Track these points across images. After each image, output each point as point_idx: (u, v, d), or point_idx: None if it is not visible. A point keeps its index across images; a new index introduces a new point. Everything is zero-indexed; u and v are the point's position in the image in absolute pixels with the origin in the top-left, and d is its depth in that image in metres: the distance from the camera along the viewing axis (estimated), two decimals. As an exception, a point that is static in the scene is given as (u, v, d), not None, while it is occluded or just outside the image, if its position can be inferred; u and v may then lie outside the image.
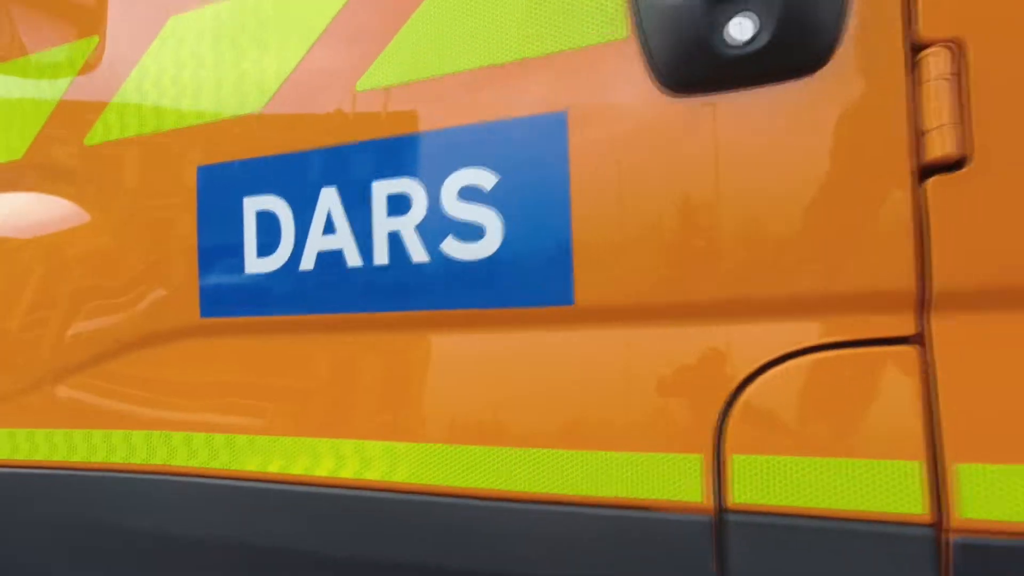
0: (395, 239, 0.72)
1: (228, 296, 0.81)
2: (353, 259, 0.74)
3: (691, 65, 0.59)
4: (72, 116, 0.92)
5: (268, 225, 0.78)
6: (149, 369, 0.85)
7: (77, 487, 0.86)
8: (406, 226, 0.71)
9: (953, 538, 0.52)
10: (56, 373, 0.89)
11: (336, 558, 0.74)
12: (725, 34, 0.57)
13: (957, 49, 0.53)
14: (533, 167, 0.66)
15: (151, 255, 0.87)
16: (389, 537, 0.71)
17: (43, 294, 0.92)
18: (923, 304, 0.55)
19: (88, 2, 0.92)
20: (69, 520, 0.88)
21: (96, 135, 0.90)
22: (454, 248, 0.69)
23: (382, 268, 0.72)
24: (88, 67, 0.90)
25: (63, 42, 0.93)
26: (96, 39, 0.90)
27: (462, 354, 0.71)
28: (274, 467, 0.78)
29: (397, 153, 0.72)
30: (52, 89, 0.93)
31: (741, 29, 0.57)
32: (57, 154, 0.94)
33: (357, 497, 0.72)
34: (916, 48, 0.54)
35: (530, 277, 0.66)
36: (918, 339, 0.55)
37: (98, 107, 0.89)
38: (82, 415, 0.87)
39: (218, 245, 0.81)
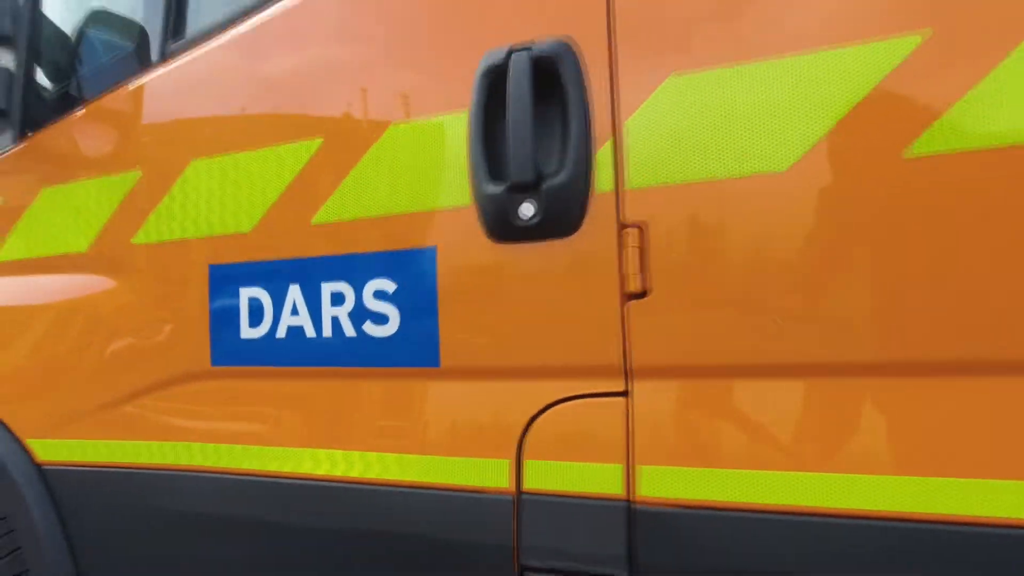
0: (336, 321, 1.12)
1: (229, 352, 1.22)
2: (310, 332, 1.15)
3: (501, 228, 1.00)
4: (122, 224, 1.33)
5: (256, 307, 1.19)
6: (177, 400, 1.27)
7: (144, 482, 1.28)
8: (342, 313, 1.12)
9: (637, 507, 0.93)
10: (116, 400, 1.30)
11: (297, 528, 1.15)
12: (519, 212, 0.98)
13: (641, 230, 0.93)
14: (417, 281, 1.06)
15: (178, 322, 1.28)
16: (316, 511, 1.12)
17: (106, 348, 1.34)
18: (628, 373, 0.95)
19: (132, 147, 1.34)
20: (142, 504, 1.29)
21: (140, 238, 1.31)
22: (371, 328, 1.09)
23: (327, 339, 1.13)
24: (134, 192, 1.32)
25: (116, 173, 1.34)
26: (139, 172, 1.32)
27: (377, 394, 1.12)
28: (272, 467, 1.18)
29: (337, 266, 1.13)
30: (108, 204, 1.34)
31: (526, 211, 0.97)
32: (112, 249, 1.35)
33: (312, 486, 1.13)
34: (621, 226, 0.95)
35: (415, 348, 1.06)
36: (625, 393, 0.95)
37: (141, 218, 1.31)
38: (141, 431, 1.29)
39: (223, 318, 1.22)
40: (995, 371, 0.79)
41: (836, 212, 0.85)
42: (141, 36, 1.40)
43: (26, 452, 1.38)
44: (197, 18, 1.33)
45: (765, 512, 0.86)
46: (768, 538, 0.86)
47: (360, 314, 1.10)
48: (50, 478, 1.36)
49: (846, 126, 0.83)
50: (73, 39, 1.49)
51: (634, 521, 0.93)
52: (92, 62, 1.48)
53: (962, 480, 0.78)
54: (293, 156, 1.17)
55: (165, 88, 1.33)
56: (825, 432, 0.86)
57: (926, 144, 0.79)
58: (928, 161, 0.79)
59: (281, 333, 1.17)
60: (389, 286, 1.08)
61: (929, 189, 0.80)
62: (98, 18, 1.50)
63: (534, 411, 0.99)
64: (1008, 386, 0.78)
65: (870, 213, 0.83)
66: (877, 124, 0.82)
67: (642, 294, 0.93)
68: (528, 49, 0.97)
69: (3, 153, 1.50)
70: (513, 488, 1.00)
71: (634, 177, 0.94)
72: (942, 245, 0.80)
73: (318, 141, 1.15)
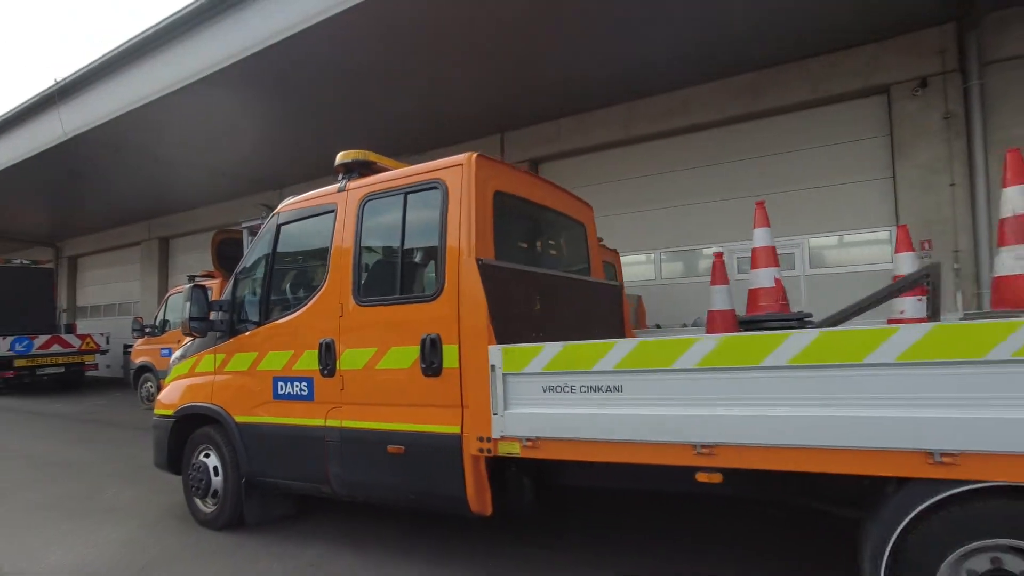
0: (299, 389, 5.21)
1: (278, 396, 5.36)
2: (292, 392, 5.25)
3: (324, 370, 5.04)
4: (254, 364, 5.52)
5: (284, 385, 5.32)
6: (265, 407, 5.44)
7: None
8: (295, 388, 5.21)
9: (344, 430, 4.92)
10: (254, 407, 5.51)
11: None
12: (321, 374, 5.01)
13: (344, 377, 4.92)
14: (308, 384, 5.12)
15: (263, 387, 5.44)
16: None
17: (252, 393, 5.55)
18: (339, 403, 4.94)
19: (257, 346, 5.54)
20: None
21: (259, 367, 5.49)
22: (301, 392, 5.17)
23: (296, 393, 5.22)
24: (256, 358, 5.50)
25: (253, 352, 5.54)
26: (257, 353, 5.50)
27: (302, 405, 5.21)
28: (287, 422, 5.29)
29: (295, 378, 5.22)
30: (252, 359, 5.55)
31: (327, 372, 5.00)
32: (253, 368, 5.54)
33: (292, 424, 5.24)
34: (340, 376, 4.94)
35: (310, 395, 5.13)
36: (340, 407, 4.95)
37: (260, 362, 5.48)
38: (258, 413, 5.47)
39: (276, 388, 5.37)
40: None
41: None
42: (255, 313, 5.60)
43: (232, 419, 5.61)
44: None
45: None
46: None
47: (302, 388, 5.20)
48: (239, 427, 5.59)
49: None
50: (243, 306, 5.76)
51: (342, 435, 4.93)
52: (248, 312, 5.73)
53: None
54: (282, 358, 5.29)
55: (260, 331, 5.52)
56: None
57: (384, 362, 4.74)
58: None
59: (287, 393, 5.30)
60: (305, 383, 5.18)
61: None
62: (244, 296, 5.76)
63: (331, 407, 5.03)
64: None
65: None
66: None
67: (342, 388, 4.94)
68: (324, 340, 5.01)
69: (224, 343, 5.78)
70: (323, 425, 5.03)
71: (342, 366, 4.96)
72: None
73: (289, 353, 5.26)
